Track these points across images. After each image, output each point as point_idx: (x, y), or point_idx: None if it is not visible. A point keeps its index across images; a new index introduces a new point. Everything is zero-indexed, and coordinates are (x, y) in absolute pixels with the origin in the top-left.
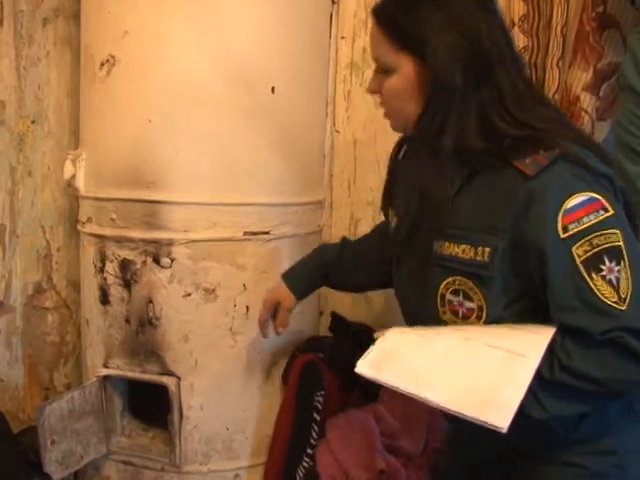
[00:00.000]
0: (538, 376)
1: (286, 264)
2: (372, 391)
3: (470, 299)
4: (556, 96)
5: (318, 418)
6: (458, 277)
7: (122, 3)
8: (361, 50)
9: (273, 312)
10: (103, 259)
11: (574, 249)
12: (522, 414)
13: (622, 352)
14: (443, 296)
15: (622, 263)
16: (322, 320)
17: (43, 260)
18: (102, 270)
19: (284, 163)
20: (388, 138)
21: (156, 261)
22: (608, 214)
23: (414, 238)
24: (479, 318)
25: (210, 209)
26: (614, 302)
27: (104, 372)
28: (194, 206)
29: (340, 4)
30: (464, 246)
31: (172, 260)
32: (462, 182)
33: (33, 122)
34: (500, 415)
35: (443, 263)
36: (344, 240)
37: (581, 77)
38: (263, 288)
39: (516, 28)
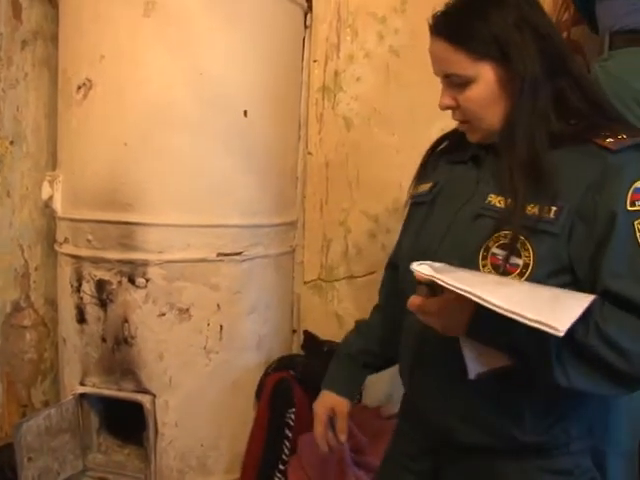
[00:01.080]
0: (570, 338)
1: (258, 284)
2: None
3: (518, 255)
4: None
5: (290, 435)
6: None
7: (99, 28)
8: (333, 73)
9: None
10: (79, 279)
11: (637, 223)
12: (543, 378)
13: None
14: (488, 249)
15: None
16: (295, 338)
17: (21, 279)
18: (79, 290)
19: (257, 185)
20: (359, 160)
21: (131, 281)
22: None
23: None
24: (521, 275)
25: (184, 231)
26: None
27: (81, 390)
28: (169, 228)
29: (312, 28)
30: (528, 203)
31: (147, 280)
32: None
33: (11, 143)
34: (559, 320)
35: (496, 216)
36: (357, 324)
37: None
38: (236, 308)
39: None
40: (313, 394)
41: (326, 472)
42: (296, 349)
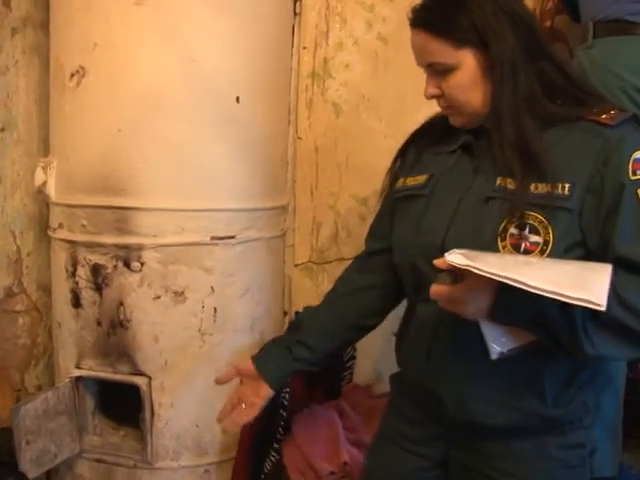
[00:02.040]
0: (592, 310)
1: (251, 267)
2: (335, 388)
3: (537, 233)
4: None
5: (284, 414)
6: (529, 211)
7: (92, 16)
8: (322, 60)
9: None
10: (75, 264)
11: (639, 191)
12: (571, 350)
13: None
14: (506, 229)
15: None
16: (286, 320)
17: (14, 265)
18: (74, 274)
19: (249, 170)
20: (348, 145)
21: (126, 265)
22: None
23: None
24: (542, 253)
25: (178, 215)
26: None
27: (77, 373)
28: (163, 212)
29: (302, 16)
30: (537, 183)
31: (142, 264)
32: (537, 132)
33: (2, 130)
34: (598, 295)
35: (508, 197)
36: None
37: None
38: (230, 290)
39: None
40: (307, 374)
41: (320, 449)
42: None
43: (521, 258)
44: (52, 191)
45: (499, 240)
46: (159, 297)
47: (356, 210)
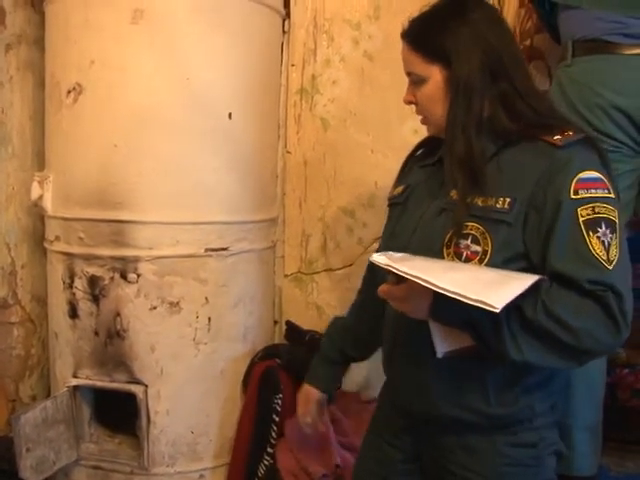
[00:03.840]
0: (520, 315)
1: (243, 278)
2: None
3: (478, 243)
4: None
5: (277, 419)
6: (472, 223)
7: (88, 34)
8: (310, 77)
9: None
10: (72, 275)
11: (579, 210)
12: (500, 354)
13: (601, 307)
14: (451, 239)
15: (614, 234)
16: (277, 329)
17: (8, 277)
18: (71, 286)
19: (241, 183)
20: (336, 159)
21: (123, 277)
22: (610, 195)
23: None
24: (481, 262)
25: (173, 227)
26: (604, 259)
27: (74, 382)
28: (158, 225)
29: (290, 34)
30: (484, 197)
31: (138, 276)
32: (492, 154)
33: None
34: (497, 299)
35: (454, 209)
36: (335, 321)
37: None
38: (223, 301)
39: None
40: (298, 381)
41: (312, 453)
42: (278, 339)
43: (451, 264)
44: (48, 204)
45: (445, 248)
46: (155, 308)
47: (344, 222)
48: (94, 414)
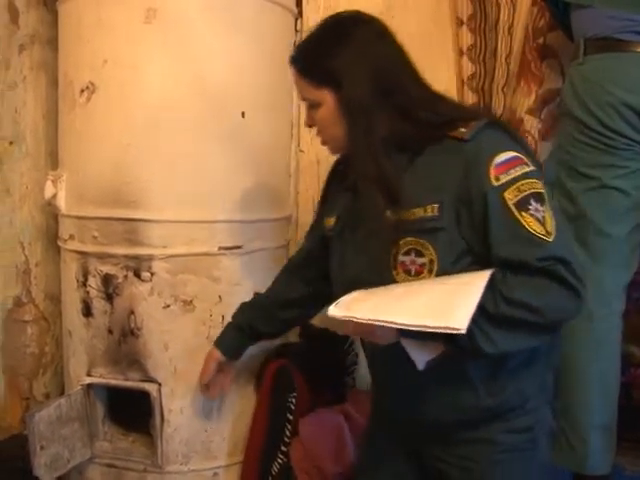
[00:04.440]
0: (484, 312)
1: (257, 276)
2: (339, 394)
3: (421, 255)
4: (502, 119)
5: (291, 418)
6: (409, 237)
7: (101, 34)
8: None
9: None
10: (85, 274)
11: (505, 194)
12: (476, 353)
13: (555, 279)
14: (395, 258)
15: (545, 205)
16: None
17: (22, 275)
18: (85, 284)
19: (254, 182)
20: None
21: (137, 275)
22: (529, 168)
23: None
24: (430, 272)
25: (187, 226)
26: (543, 234)
27: (88, 380)
28: (172, 223)
29: (303, 33)
30: (413, 209)
31: (152, 274)
32: (406, 165)
33: (11, 143)
34: (458, 320)
35: (392, 228)
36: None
37: (524, 102)
38: (236, 299)
39: (464, 56)
40: (312, 379)
41: (327, 452)
42: (292, 337)
43: (407, 288)
44: (62, 203)
45: (393, 269)
46: (169, 306)
47: None
48: (108, 412)
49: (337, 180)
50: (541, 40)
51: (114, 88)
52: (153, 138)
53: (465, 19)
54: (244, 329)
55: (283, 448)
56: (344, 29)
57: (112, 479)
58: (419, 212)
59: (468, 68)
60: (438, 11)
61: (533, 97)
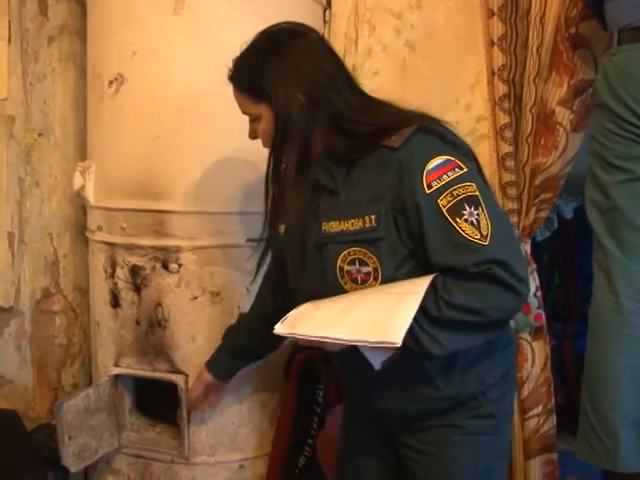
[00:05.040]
0: (428, 316)
1: None
2: None
3: (365, 264)
4: (533, 110)
5: (318, 410)
6: (352, 248)
7: (130, 25)
8: (351, 67)
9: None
10: (114, 265)
11: (439, 201)
12: (425, 355)
13: (493, 281)
14: (342, 269)
15: (480, 208)
16: None
17: (50, 266)
18: (112, 275)
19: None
20: None
21: (165, 267)
22: (463, 171)
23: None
24: (376, 279)
25: (215, 218)
26: (478, 239)
27: (116, 371)
28: (200, 215)
29: (331, 24)
30: (352, 220)
31: (180, 266)
32: (343, 177)
33: (40, 135)
34: (394, 333)
35: (335, 239)
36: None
37: (556, 92)
38: None
39: (495, 47)
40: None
41: None
42: None
43: (353, 299)
44: (91, 195)
45: (340, 279)
46: (196, 297)
47: None
48: (135, 403)
49: None
50: (573, 30)
51: (143, 79)
52: (181, 129)
53: (496, 9)
54: (234, 352)
55: (310, 441)
56: (275, 44)
57: (139, 469)
58: (358, 223)
59: (499, 59)
60: (467, 2)
61: (565, 88)
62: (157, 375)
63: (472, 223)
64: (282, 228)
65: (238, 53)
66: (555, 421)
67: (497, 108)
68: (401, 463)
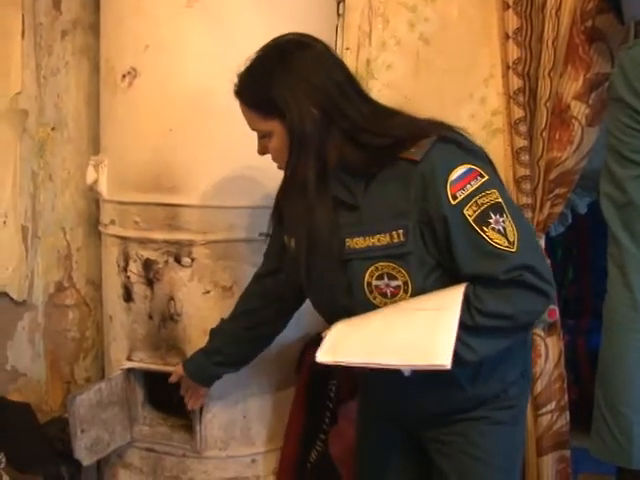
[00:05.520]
0: (462, 325)
1: None
2: None
3: (395, 278)
4: (548, 104)
5: (331, 406)
6: (380, 263)
7: (143, 18)
8: (365, 61)
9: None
10: (126, 259)
11: (465, 211)
12: (458, 361)
13: (523, 287)
14: (370, 284)
15: (504, 215)
16: None
17: (64, 260)
18: (125, 269)
19: None
20: None
21: (177, 261)
22: (484, 179)
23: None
24: (406, 292)
25: (227, 212)
26: (505, 246)
27: (128, 365)
28: (213, 209)
29: (345, 17)
30: (378, 236)
31: (192, 260)
32: (363, 191)
33: (53, 129)
34: (442, 356)
35: (361, 255)
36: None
37: (571, 86)
38: None
39: (510, 40)
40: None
41: None
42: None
43: (387, 318)
44: (104, 188)
45: (369, 293)
46: (209, 292)
47: None
48: (147, 397)
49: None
50: (589, 23)
51: (156, 73)
52: (194, 123)
53: (511, 2)
54: (210, 353)
55: (322, 436)
56: (284, 56)
57: (151, 463)
58: (385, 239)
59: (514, 52)
60: None
61: (580, 82)
62: (169, 369)
63: (499, 231)
64: (291, 241)
65: (242, 68)
66: (568, 418)
67: (512, 102)
68: (422, 459)
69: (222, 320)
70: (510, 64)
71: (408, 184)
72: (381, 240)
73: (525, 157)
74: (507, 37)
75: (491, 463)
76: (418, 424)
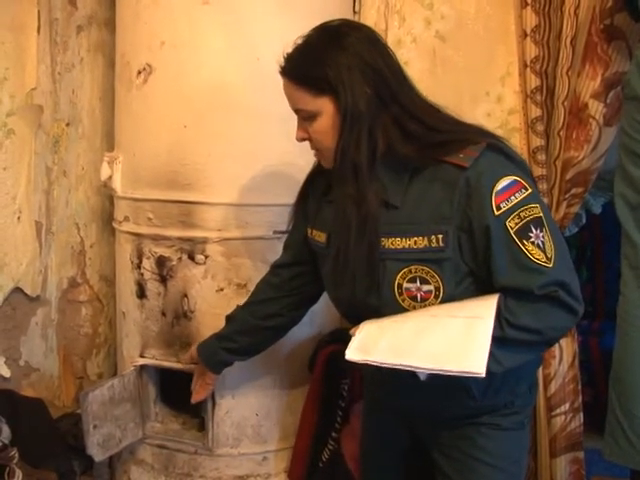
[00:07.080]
0: (493, 337)
1: None
2: None
3: (427, 282)
4: (565, 103)
5: (343, 405)
6: (414, 266)
7: (158, 15)
8: None
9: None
10: (140, 256)
11: (507, 222)
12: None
13: (555, 303)
14: (400, 285)
15: (544, 230)
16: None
17: (77, 256)
18: (139, 266)
19: (310, 165)
20: None
21: (191, 258)
22: (528, 192)
23: (354, 252)
24: (437, 297)
25: (242, 209)
26: (544, 262)
27: (141, 361)
28: (227, 207)
29: (361, 14)
30: (415, 238)
31: (206, 257)
32: (405, 186)
33: (67, 125)
34: (477, 364)
35: (396, 256)
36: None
37: (589, 85)
38: None
39: (528, 39)
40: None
41: None
42: (345, 323)
43: (419, 323)
44: (118, 185)
45: (398, 295)
46: (222, 289)
47: None
48: (159, 394)
49: (317, 190)
50: (608, 21)
51: (171, 69)
52: (209, 120)
53: (530, 0)
54: (221, 339)
55: (334, 434)
56: (337, 36)
57: (163, 460)
58: (422, 242)
59: (531, 50)
60: None
61: (598, 81)
62: (182, 366)
63: (538, 245)
64: (319, 235)
65: (290, 49)
66: (582, 419)
67: (529, 101)
68: (425, 459)
69: (237, 307)
70: (528, 62)
71: (453, 189)
72: (418, 243)
73: (542, 156)
74: (525, 35)
75: (496, 466)
76: (424, 426)
